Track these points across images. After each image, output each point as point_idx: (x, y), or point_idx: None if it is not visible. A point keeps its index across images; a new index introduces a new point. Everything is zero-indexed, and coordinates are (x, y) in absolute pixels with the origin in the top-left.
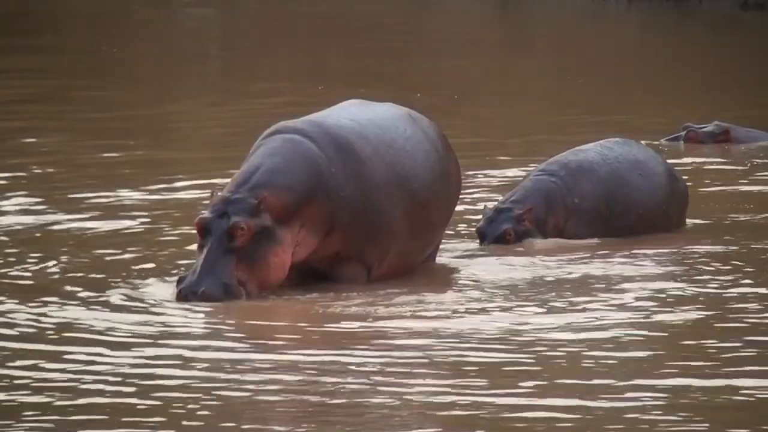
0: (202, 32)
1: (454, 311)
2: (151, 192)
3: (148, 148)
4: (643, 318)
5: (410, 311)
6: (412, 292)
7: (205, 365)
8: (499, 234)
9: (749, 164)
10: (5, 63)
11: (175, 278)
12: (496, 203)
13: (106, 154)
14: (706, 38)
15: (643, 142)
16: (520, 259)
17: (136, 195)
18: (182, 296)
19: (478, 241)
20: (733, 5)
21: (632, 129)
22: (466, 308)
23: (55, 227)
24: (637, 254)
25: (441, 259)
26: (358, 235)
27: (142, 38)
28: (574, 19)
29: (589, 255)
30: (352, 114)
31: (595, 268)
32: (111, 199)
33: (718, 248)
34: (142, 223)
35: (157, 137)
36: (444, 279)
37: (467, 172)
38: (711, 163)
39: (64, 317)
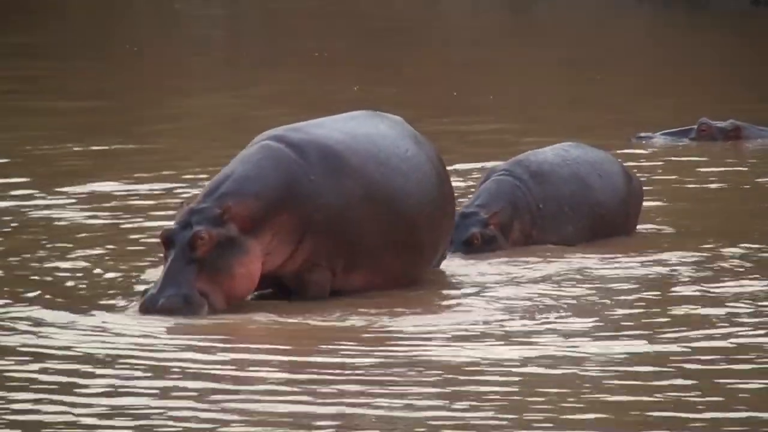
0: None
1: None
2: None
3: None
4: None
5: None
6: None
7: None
8: (466, 238)
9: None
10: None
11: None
12: (462, 208)
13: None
14: (717, 35)
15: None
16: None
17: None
18: (143, 309)
19: None
20: (743, 0)
21: (644, 124)
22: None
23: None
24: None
25: None
26: (328, 242)
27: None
28: (585, 17)
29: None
30: (349, 127)
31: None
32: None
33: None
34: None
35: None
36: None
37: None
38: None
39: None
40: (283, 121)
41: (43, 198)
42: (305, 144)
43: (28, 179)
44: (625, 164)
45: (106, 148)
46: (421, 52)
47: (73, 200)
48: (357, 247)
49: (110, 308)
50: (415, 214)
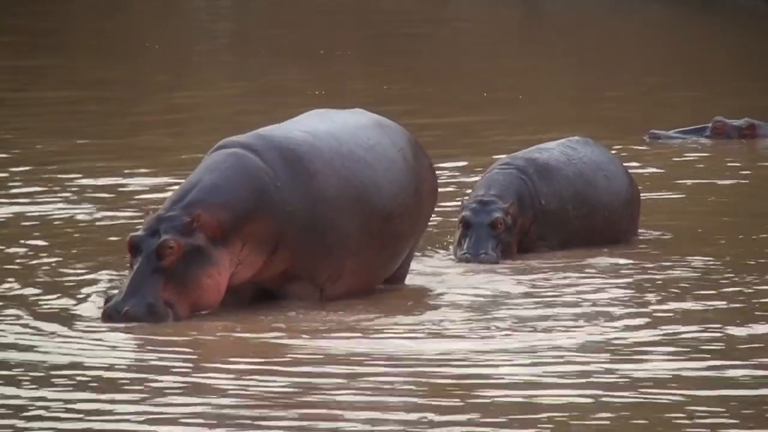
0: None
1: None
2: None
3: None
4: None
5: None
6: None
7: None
8: (492, 221)
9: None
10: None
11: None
12: (476, 196)
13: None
14: (730, 32)
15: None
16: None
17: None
18: (106, 316)
19: (461, 228)
20: None
21: (658, 122)
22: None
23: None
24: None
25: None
26: (308, 252)
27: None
28: (596, 12)
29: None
30: (307, 125)
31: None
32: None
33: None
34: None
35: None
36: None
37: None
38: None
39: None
40: (283, 115)
41: (45, 192)
42: (269, 150)
43: (32, 173)
44: (639, 162)
45: (110, 141)
46: (431, 46)
47: (72, 193)
48: (337, 249)
49: (76, 313)
50: (390, 205)
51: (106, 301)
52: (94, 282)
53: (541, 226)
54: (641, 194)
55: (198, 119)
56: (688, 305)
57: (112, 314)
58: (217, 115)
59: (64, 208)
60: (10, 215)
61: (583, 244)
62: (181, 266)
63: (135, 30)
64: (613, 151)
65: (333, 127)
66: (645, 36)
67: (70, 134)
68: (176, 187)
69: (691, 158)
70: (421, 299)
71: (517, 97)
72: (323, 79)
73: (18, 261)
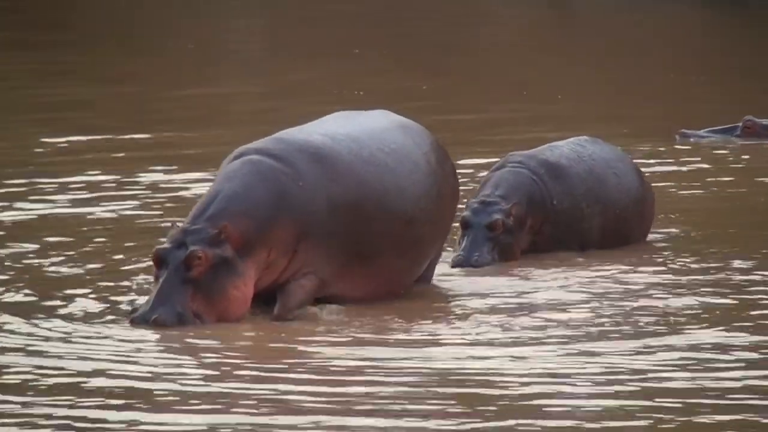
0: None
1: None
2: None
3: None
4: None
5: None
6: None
7: None
8: (490, 222)
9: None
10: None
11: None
12: (481, 195)
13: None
14: (759, 31)
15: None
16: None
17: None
18: (134, 324)
19: (461, 228)
20: None
21: (688, 121)
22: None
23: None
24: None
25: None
26: (321, 251)
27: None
28: (624, 12)
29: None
30: (327, 129)
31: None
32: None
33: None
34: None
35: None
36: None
37: None
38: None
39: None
40: (307, 112)
41: (76, 188)
42: (288, 152)
43: (61, 168)
44: (668, 162)
45: (143, 136)
46: (458, 46)
47: (103, 191)
48: (351, 251)
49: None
50: (411, 210)
51: (132, 311)
52: (120, 281)
53: (555, 226)
54: (673, 193)
55: (222, 114)
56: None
57: (140, 323)
58: (240, 112)
59: (82, 205)
60: (31, 214)
61: (597, 244)
62: (209, 277)
63: (161, 25)
64: (644, 149)
65: (354, 131)
66: (675, 34)
67: (90, 130)
68: (196, 184)
69: (721, 157)
70: (442, 305)
71: (545, 94)
72: (349, 77)
73: (38, 261)
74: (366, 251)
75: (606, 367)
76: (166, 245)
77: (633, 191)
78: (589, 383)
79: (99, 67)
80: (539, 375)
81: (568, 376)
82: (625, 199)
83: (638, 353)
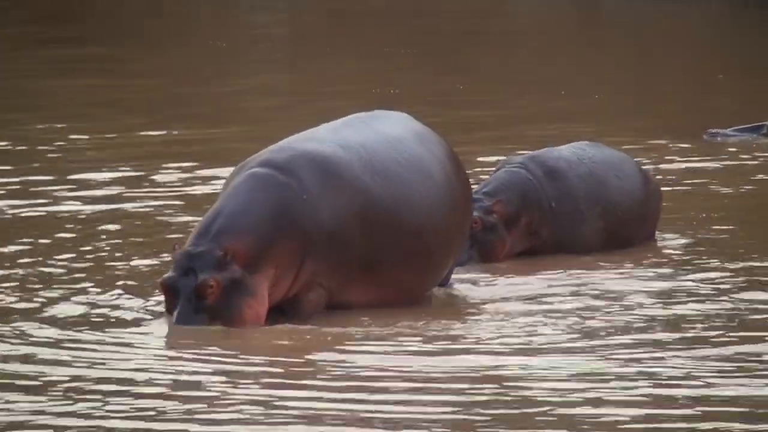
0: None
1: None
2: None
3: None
4: None
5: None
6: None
7: None
8: None
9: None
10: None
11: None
12: None
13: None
14: None
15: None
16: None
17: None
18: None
19: None
20: None
21: (715, 120)
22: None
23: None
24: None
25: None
26: (328, 263)
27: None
28: (651, 12)
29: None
30: (342, 136)
31: None
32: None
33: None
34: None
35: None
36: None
37: None
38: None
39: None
40: (329, 109)
41: (98, 184)
42: (293, 163)
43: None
44: (695, 160)
45: (163, 133)
46: (485, 46)
47: (106, 187)
48: (358, 263)
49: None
50: (421, 222)
51: None
52: (140, 279)
53: (555, 229)
54: (700, 192)
55: (242, 111)
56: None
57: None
58: (264, 108)
59: (93, 203)
60: (52, 210)
61: (599, 247)
62: (222, 302)
63: (182, 18)
64: (671, 148)
65: (369, 139)
66: (703, 32)
67: (111, 125)
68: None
69: (747, 156)
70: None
71: (571, 92)
72: (375, 75)
73: (63, 257)
74: (372, 263)
75: (641, 373)
76: (172, 274)
77: (636, 193)
78: (625, 389)
79: (119, 62)
80: (572, 381)
81: (605, 382)
82: (628, 202)
83: (681, 358)
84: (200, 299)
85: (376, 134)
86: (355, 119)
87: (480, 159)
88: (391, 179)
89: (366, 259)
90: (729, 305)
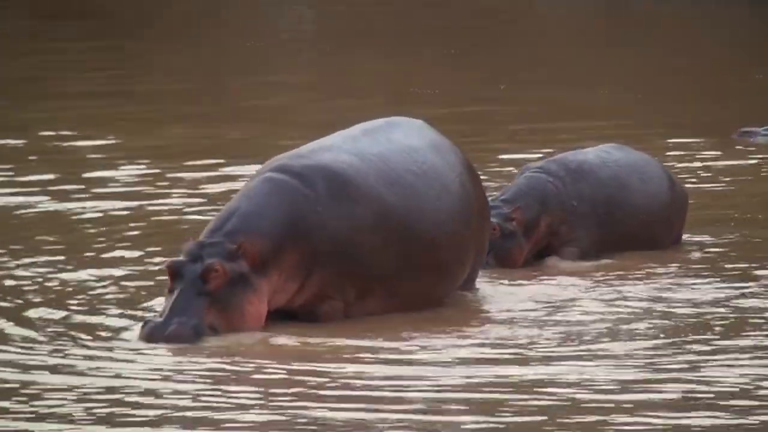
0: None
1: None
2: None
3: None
4: None
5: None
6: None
7: None
8: None
9: None
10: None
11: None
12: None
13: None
14: None
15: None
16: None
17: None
18: (148, 335)
19: None
20: None
21: (748, 120)
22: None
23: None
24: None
25: None
26: (340, 274)
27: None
28: (681, 11)
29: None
30: (359, 147)
31: None
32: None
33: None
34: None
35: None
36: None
37: None
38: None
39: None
40: (354, 106)
41: (120, 182)
42: (310, 172)
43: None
44: (725, 159)
45: (186, 130)
46: (515, 46)
47: (124, 185)
48: (369, 274)
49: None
50: (434, 234)
51: (145, 323)
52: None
53: (573, 226)
54: (731, 191)
55: (265, 108)
56: None
57: (155, 333)
58: (285, 105)
59: (112, 200)
60: (70, 207)
61: (618, 248)
62: (225, 291)
63: (209, 14)
64: (703, 147)
65: (386, 149)
66: (733, 31)
67: (132, 122)
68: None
69: None
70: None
71: (602, 91)
72: (401, 72)
73: (91, 254)
74: (387, 273)
75: (674, 379)
76: (181, 258)
77: (660, 197)
78: (663, 397)
79: (144, 57)
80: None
81: (641, 391)
82: (652, 205)
83: (713, 364)
84: (204, 282)
85: (392, 144)
86: (372, 127)
87: (509, 157)
88: (406, 191)
89: (381, 269)
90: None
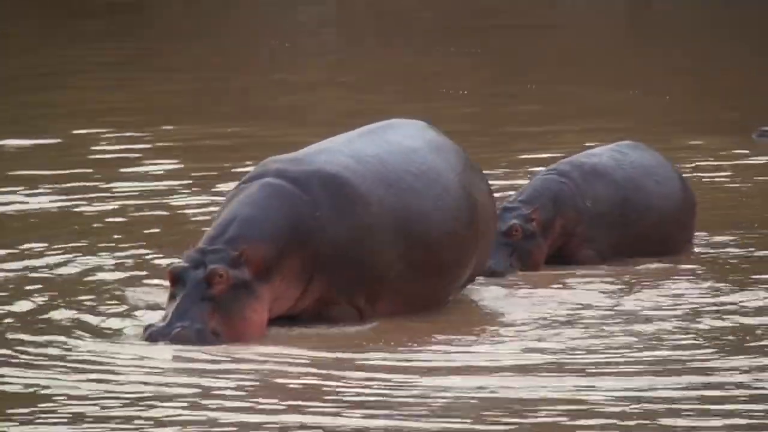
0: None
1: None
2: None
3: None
4: None
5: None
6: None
7: None
8: (507, 228)
9: None
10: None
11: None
12: (505, 202)
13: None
14: None
15: None
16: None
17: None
18: (151, 339)
19: None
20: None
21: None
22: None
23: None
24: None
25: None
26: (344, 279)
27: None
28: (702, 12)
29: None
30: (357, 148)
31: None
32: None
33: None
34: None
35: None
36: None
37: None
38: None
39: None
40: (369, 106)
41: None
42: (307, 177)
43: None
44: (742, 160)
45: (209, 130)
46: (537, 46)
47: (137, 182)
48: (370, 276)
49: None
50: (434, 234)
51: (147, 327)
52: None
53: (587, 228)
54: (748, 191)
55: (284, 107)
56: None
57: (157, 338)
58: (305, 104)
59: (137, 198)
60: (96, 204)
61: (633, 250)
62: (228, 297)
63: (228, 13)
64: (721, 147)
65: (383, 151)
66: (754, 31)
67: (148, 122)
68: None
69: None
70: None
71: (622, 91)
72: (419, 71)
73: (105, 250)
74: (386, 276)
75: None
76: (182, 264)
77: (674, 198)
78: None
79: (164, 57)
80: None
81: (672, 401)
82: (666, 206)
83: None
84: (208, 287)
85: (389, 145)
86: (371, 129)
87: (532, 156)
88: (405, 192)
89: (381, 271)
90: None
